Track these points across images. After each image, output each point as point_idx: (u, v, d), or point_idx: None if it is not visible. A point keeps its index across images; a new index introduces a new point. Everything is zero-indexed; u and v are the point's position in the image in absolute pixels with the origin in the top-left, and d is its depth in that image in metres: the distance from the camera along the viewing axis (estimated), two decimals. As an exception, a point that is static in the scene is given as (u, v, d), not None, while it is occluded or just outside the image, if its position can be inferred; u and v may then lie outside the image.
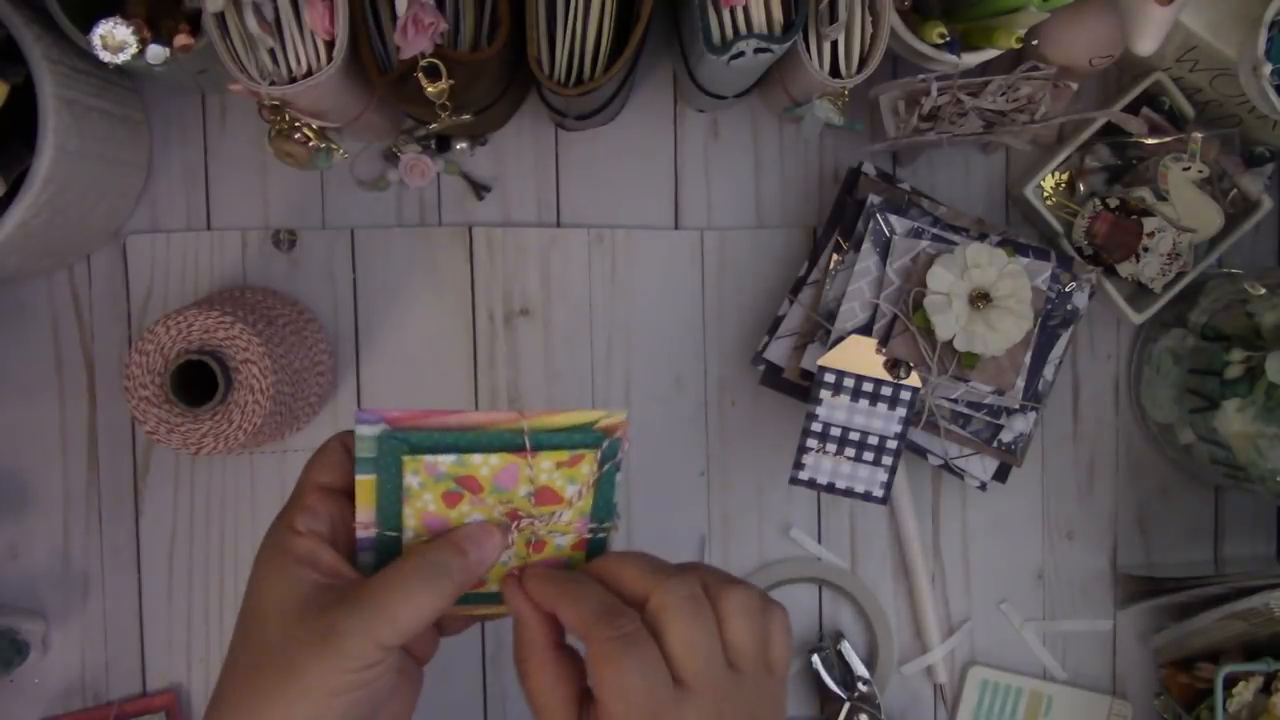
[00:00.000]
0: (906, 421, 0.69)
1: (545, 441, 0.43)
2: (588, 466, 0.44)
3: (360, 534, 0.44)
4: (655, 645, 0.40)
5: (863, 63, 0.64)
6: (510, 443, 0.43)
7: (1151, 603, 0.78)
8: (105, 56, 0.61)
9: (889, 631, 0.79)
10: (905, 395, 0.69)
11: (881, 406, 0.69)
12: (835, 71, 0.64)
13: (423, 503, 0.43)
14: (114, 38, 0.61)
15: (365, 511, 0.43)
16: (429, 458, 0.42)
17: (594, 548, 0.47)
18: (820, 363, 0.69)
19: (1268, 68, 0.63)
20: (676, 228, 0.78)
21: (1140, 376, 0.79)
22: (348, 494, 0.44)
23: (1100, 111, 0.74)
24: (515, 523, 0.45)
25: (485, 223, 0.78)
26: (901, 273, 0.69)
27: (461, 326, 0.77)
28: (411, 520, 0.44)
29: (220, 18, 0.60)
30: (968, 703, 0.80)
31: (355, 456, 0.42)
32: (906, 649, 0.80)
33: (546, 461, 0.43)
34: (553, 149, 0.78)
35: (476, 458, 0.42)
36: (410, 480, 0.43)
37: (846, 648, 0.77)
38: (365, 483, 0.43)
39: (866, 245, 0.70)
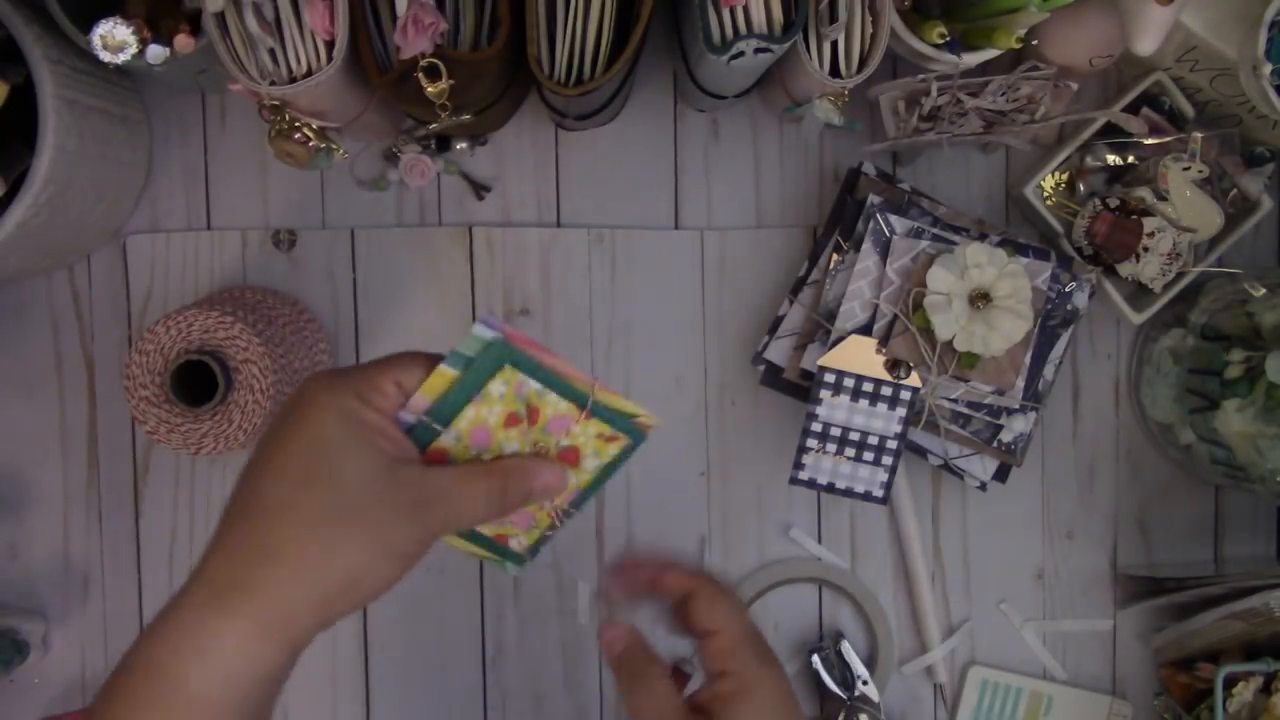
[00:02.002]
0: (906, 421, 0.69)
1: (601, 412, 0.48)
2: (615, 448, 0.49)
3: (403, 415, 0.46)
4: None
5: (863, 63, 0.64)
6: (578, 398, 0.48)
7: (1151, 603, 0.78)
8: (105, 56, 0.61)
9: (889, 631, 0.79)
10: (905, 395, 0.69)
11: (881, 406, 0.69)
12: (835, 71, 0.64)
13: (489, 412, 0.47)
14: (114, 38, 0.61)
15: (424, 399, 0.46)
16: (524, 376, 0.46)
17: (560, 523, 0.51)
18: (820, 363, 0.69)
19: (1268, 68, 0.63)
20: (676, 228, 0.78)
21: (1140, 376, 0.79)
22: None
23: (1100, 111, 0.74)
24: None
25: (485, 223, 0.78)
26: (901, 273, 0.69)
27: (461, 326, 0.77)
28: (464, 424, 0.47)
29: (220, 18, 0.60)
30: (968, 703, 0.80)
31: (453, 350, 0.45)
32: (906, 649, 0.80)
33: (593, 428, 0.48)
34: (553, 149, 0.78)
35: (553, 395, 0.47)
36: (495, 388, 0.46)
37: (846, 648, 0.77)
38: (445, 375, 0.46)
39: (866, 245, 0.70)
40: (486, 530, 0.51)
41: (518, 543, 0.52)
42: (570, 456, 0.49)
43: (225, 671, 0.40)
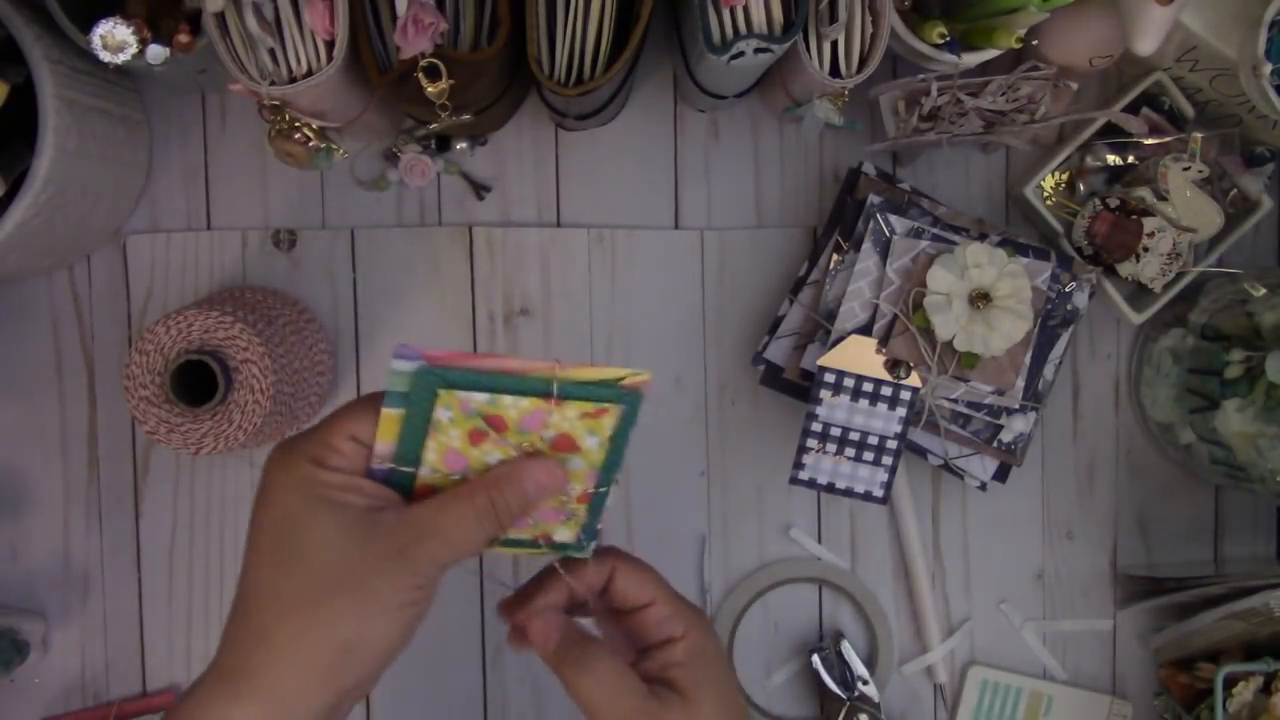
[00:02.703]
0: (906, 421, 0.69)
1: (573, 392, 0.45)
2: (609, 420, 0.46)
3: (375, 466, 0.45)
4: None
5: (863, 63, 0.64)
6: (540, 389, 0.44)
7: (1151, 603, 0.78)
8: (105, 56, 0.61)
9: (889, 631, 0.79)
10: (905, 395, 0.69)
11: (881, 406, 0.69)
12: (835, 71, 0.64)
13: (448, 438, 0.45)
14: (114, 38, 0.61)
15: (385, 445, 0.45)
16: (463, 393, 0.44)
17: (595, 502, 0.48)
18: (820, 363, 0.69)
19: (1268, 68, 0.63)
20: (676, 228, 0.78)
21: (1140, 376, 0.79)
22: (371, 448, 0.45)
23: (1100, 111, 0.74)
24: None
25: (485, 223, 0.78)
26: (901, 273, 0.69)
27: (461, 326, 0.77)
28: (432, 455, 0.45)
29: (220, 18, 0.60)
30: (968, 703, 0.80)
31: (386, 390, 0.44)
32: (906, 649, 0.80)
33: (572, 410, 0.45)
34: (553, 149, 0.78)
35: (507, 399, 0.44)
36: (441, 414, 0.44)
37: (846, 648, 0.77)
38: (392, 416, 0.44)
39: (866, 245, 0.70)
40: (520, 535, 0.49)
41: (564, 534, 0.49)
42: (564, 444, 0.46)
43: None
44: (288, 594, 0.42)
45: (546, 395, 0.44)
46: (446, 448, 0.45)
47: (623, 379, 0.45)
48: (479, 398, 0.44)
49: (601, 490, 0.48)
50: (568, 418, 0.45)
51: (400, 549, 0.43)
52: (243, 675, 0.42)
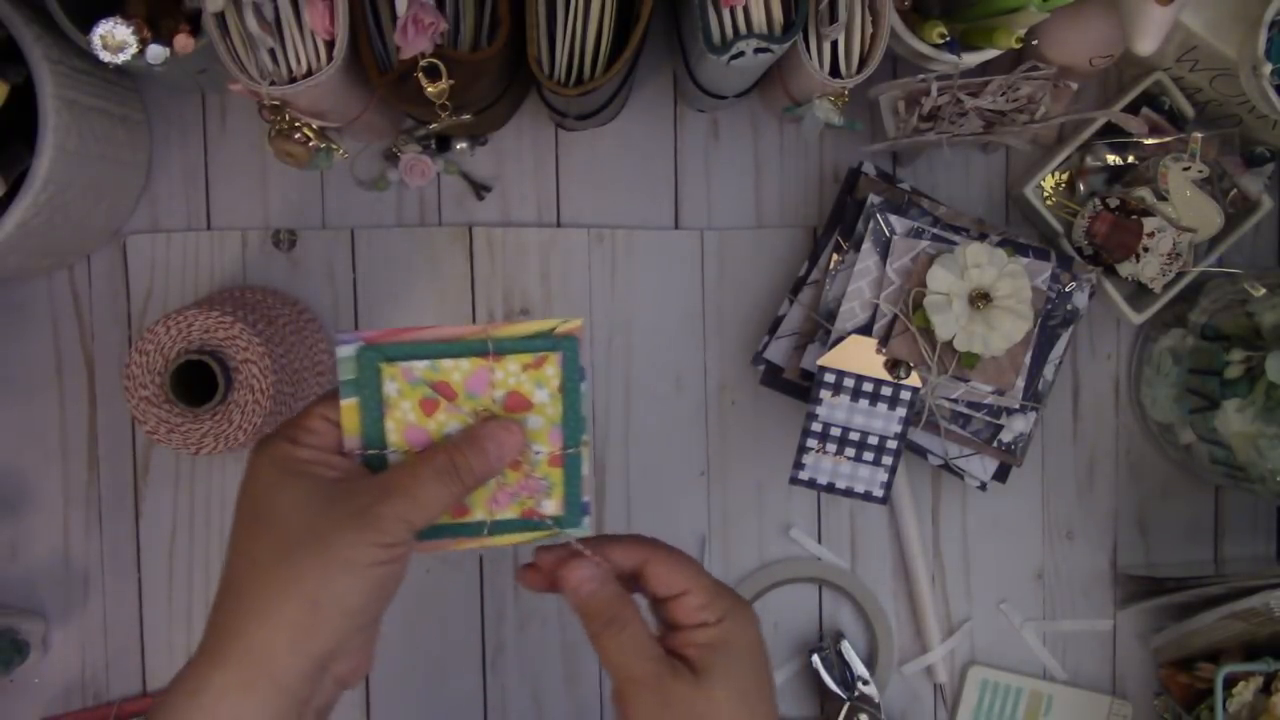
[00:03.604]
0: (906, 421, 0.69)
1: (509, 347, 0.47)
2: (552, 368, 0.48)
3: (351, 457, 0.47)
4: None
5: (863, 63, 0.64)
6: (477, 349, 0.47)
7: (1151, 603, 0.78)
8: (105, 56, 0.61)
9: (889, 631, 0.79)
10: (905, 395, 0.69)
11: (881, 406, 0.69)
12: (835, 71, 0.64)
13: (401, 412, 0.47)
14: (114, 38, 0.61)
15: (351, 436, 0.47)
16: (404, 363, 0.47)
17: (570, 466, 0.49)
18: (820, 363, 0.69)
19: (1268, 68, 0.63)
20: (676, 228, 0.78)
21: (1140, 376, 0.79)
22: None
23: (1100, 111, 0.74)
24: None
25: (485, 223, 0.78)
26: (901, 273, 0.69)
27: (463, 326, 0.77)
28: (394, 436, 0.47)
29: (220, 18, 0.60)
30: (968, 703, 0.80)
31: (339, 380, 0.46)
32: (906, 649, 0.80)
33: (513, 364, 0.47)
34: (553, 149, 0.78)
35: (448, 362, 0.47)
36: (389, 388, 0.47)
37: (846, 648, 0.77)
38: (349, 406, 0.47)
39: (866, 245, 0.70)
40: (507, 514, 0.49)
41: (550, 506, 0.50)
42: (517, 403, 0.48)
43: (214, 712, 0.43)
44: (259, 556, 0.44)
45: (483, 353, 0.47)
46: (405, 424, 0.47)
47: (555, 328, 0.47)
48: (420, 365, 0.47)
49: (571, 452, 0.49)
50: (511, 373, 0.47)
51: (365, 508, 0.44)
52: (220, 639, 0.44)
